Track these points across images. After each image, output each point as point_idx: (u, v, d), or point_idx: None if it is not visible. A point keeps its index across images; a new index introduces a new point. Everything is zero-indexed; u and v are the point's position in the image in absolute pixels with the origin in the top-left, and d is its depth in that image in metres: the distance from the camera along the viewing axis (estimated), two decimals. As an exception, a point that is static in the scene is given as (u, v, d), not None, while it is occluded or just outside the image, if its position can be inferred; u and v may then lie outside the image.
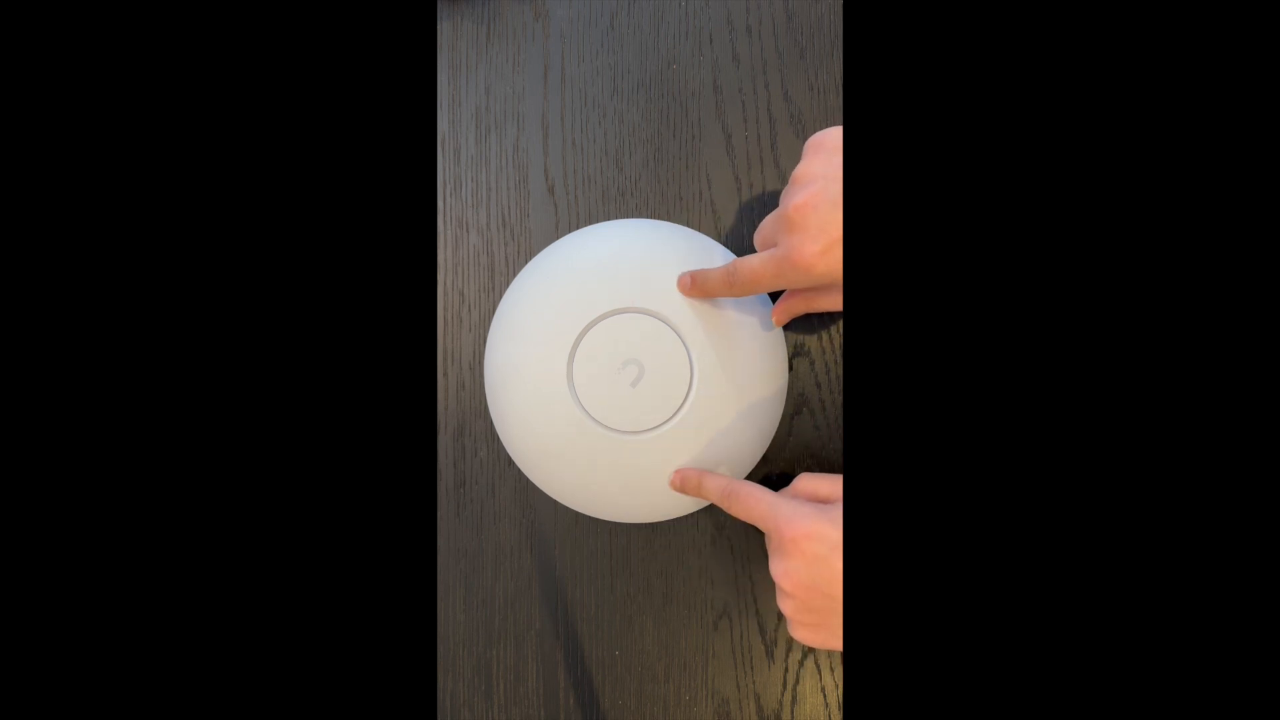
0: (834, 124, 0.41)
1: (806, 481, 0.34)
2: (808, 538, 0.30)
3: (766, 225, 0.34)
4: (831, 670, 0.39)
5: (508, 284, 0.41)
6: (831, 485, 0.34)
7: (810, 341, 0.40)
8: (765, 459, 0.40)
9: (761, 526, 0.33)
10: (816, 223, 0.29)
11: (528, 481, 0.40)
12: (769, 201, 0.41)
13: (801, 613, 0.31)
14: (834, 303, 0.36)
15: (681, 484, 0.37)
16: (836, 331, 0.40)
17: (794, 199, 0.30)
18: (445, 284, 0.42)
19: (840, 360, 0.40)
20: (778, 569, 0.31)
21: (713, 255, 0.39)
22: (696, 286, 0.36)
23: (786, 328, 0.40)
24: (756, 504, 0.33)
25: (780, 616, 0.40)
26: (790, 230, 0.30)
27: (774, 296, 0.39)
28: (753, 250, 0.41)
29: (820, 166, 0.30)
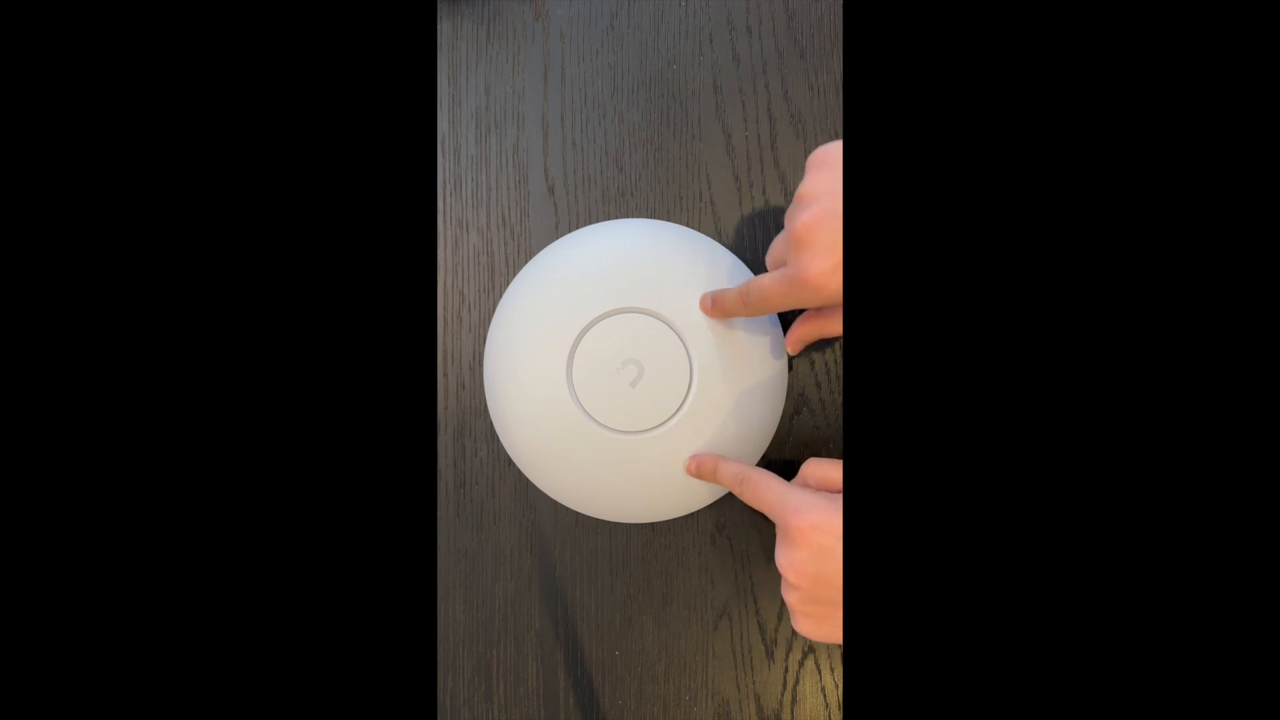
0: (834, 124, 0.41)
1: (815, 467, 0.34)
2: (814, 528, 0.30)
3: (777, 245, 0.34)
4: (831, 670, 0.39)
5: (508, 284, 0.41)
6: (841, 470, 0.34)
7: (810, 341, 0.40)
8: (765, 459, 0.40)
9: (769, 515, 0.33)
10: (824, 241, 0.29)
11: (528, 481, 0.40)
12: (769, 202, 0.41)
13: (805, 604, 0.31)
14: None
15: (698, 470, 0.36)
16: (836, 331, 0.40)
17: (800, 217, 0.30)
18: (445, 284, 0.42)
19: (840, 360, 0.40)
20: (783, 559, 0.31)
21: (713, 255, 0.39)
22: (716, 307, 0.36)
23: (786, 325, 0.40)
24: (766, 491, 0.33)
25: (780, 615, 0.40)
26: (798, 249, 0.30)
27: (787, 319, 0.39)
28: (754, 254, 0.41)
29: (825, 183, 0.30)
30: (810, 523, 0.30)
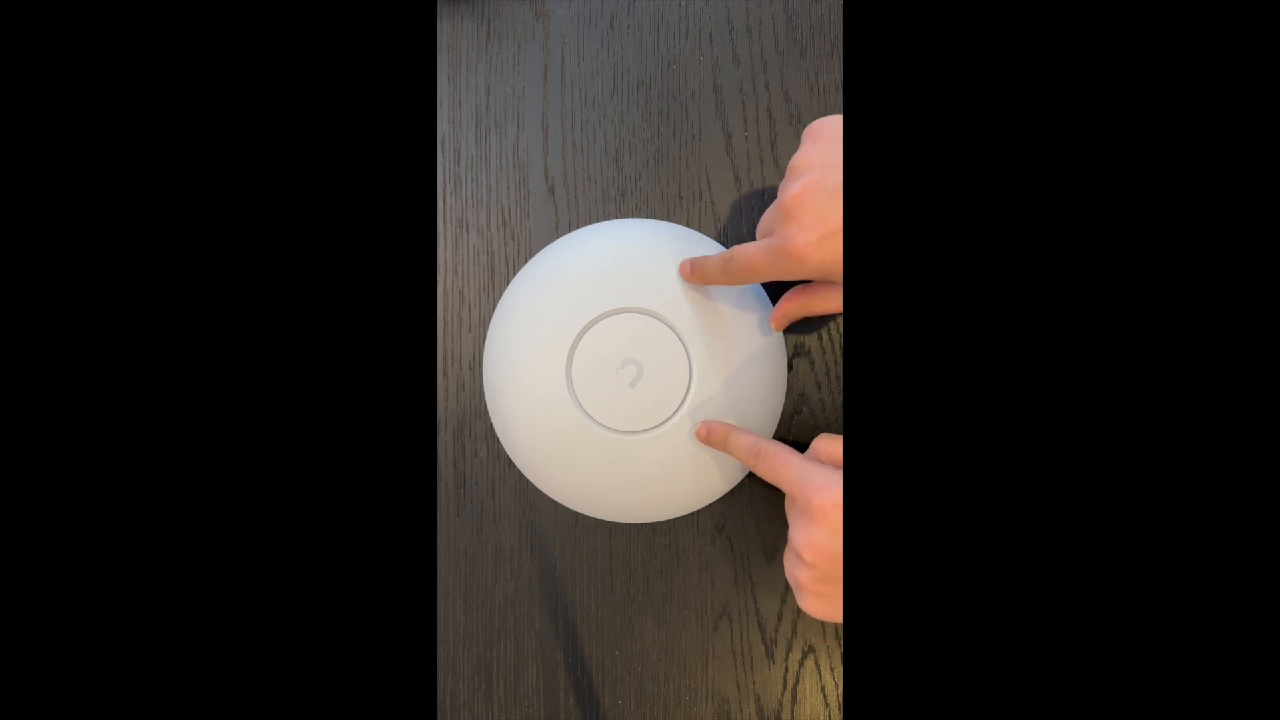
0: (834, 124, 0.41)
1: (827, 443, 0.33)
2: (837, 507, 0.29)
3: (767, 215, 0.34)
4: (831, 670, 0.39)
5: (508, 284, 0.41)
6: None
7: (810, 341, 0.40)
8: (765, 459, 0.40)
9: (787, 490, 0.32)
10: (812, 212, 0.29)
11: (528, 482, 0.40)
12: (769, 202, 0.41)
13: (818, 583, 0.30)
14: (833, 304, 0.35)
15: (708, 435, 0.36)
16: (837, 331, 0.40)
17: (791, 188, 0.30)
18: (445, 284, 0.42)
19: (840, 360, 0.40)
20: (800, 537, 0.30)
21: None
22: (695, 273, 0.36)
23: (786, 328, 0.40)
24: (785, 466, 0.32)
25: (780, 615, 0.40)
26: (786, 219, 0.30)
27: (774, 299, 0.39)
28: (753, 250, 0.41)
29: (818, 155, 0.30)
30: (834, 501, 0.29)
